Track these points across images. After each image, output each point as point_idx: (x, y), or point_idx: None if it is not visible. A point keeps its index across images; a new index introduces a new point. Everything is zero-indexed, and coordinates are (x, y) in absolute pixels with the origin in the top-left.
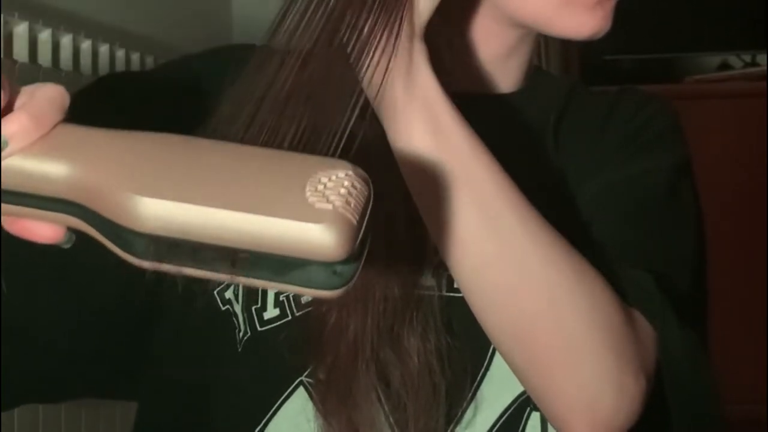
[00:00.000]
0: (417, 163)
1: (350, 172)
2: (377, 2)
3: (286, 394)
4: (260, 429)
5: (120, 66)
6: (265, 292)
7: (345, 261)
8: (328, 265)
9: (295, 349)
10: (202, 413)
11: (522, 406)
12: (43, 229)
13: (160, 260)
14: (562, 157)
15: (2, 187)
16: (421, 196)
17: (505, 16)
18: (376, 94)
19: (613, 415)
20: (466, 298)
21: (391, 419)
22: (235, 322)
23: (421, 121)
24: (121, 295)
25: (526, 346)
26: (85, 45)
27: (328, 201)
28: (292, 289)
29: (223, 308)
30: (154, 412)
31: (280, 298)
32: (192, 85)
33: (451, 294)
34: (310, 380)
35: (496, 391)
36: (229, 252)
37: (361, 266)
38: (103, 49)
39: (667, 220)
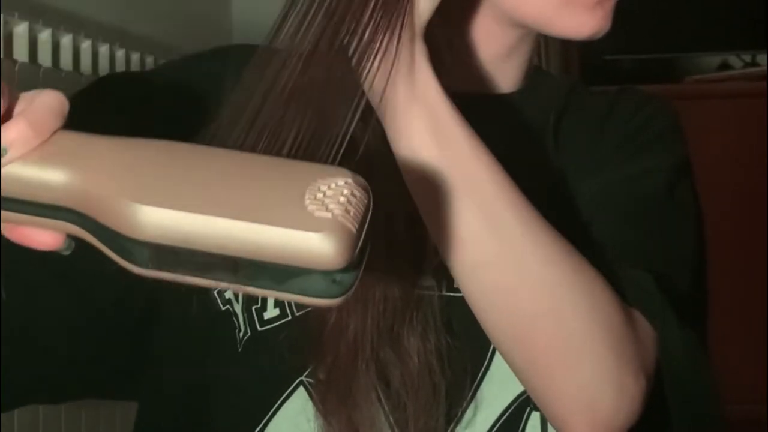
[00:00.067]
0: (417, 163)
1: (350, 180)
2: (378, 4)
3: (286, 394)
4: (260, 429)
5: (120, 66)
6: None
7: (344, 269)
8: (327, 273)
9: (295, 349)
10: (202, 413)
11: (522, 405)
12: (42, 236)
13: (159, 268)
14: (562, 157)
15: (2, 194)
16: (421, 196)
17: (505, 16)
18: (378, 96)
19: (613, 415)
20: (466, 298)
21: (391, 419)
22: (235, 321)
23: (422, 121)
24: (120, 299)
25: (526, 346)
26: (85, 45)
27: (327, 209)
28: (291, 297)
29: (223, 308)
30: (155, 412)
31: None
32: (192, 85)
33: (451, 294)
34: (310, 380)
35: (496, 390)
36: (228, 261)
37: (360, 274)
38: (103, 49)
39: (666, 220)
